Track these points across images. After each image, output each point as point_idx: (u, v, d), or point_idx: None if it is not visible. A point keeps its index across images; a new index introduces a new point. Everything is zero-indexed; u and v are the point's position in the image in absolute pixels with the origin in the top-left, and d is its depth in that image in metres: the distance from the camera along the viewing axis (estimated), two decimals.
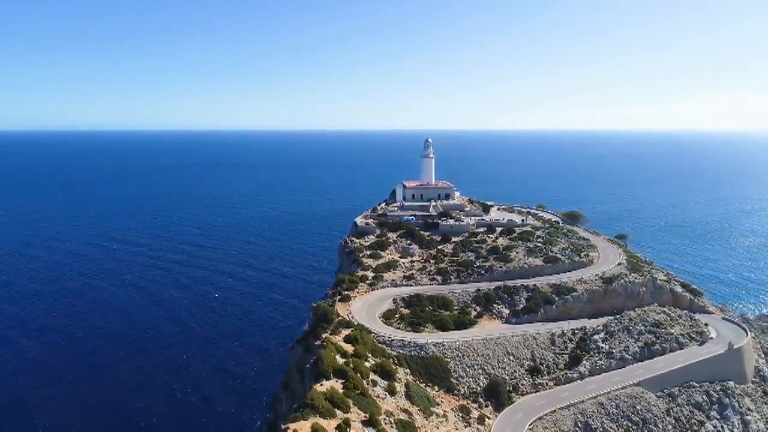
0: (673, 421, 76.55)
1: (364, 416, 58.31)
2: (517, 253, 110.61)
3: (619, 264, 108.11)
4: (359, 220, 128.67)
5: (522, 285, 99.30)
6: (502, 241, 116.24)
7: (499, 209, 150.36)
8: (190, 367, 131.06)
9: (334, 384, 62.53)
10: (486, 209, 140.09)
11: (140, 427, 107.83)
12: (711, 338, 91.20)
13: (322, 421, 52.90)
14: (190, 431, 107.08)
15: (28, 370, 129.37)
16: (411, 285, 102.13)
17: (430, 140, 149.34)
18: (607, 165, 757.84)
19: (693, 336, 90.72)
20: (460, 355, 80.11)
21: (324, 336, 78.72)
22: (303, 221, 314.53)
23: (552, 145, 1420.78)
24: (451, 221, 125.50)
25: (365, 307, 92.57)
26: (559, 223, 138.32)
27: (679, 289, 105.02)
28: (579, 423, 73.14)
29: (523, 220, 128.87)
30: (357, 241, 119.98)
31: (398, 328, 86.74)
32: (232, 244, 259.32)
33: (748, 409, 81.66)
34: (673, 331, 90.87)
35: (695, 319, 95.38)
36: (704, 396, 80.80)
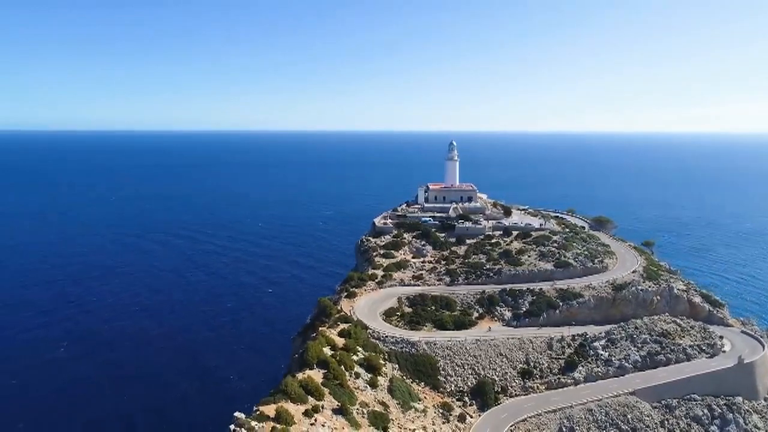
0: None
1: (337, 405, 61.58)
2: (528, 256, 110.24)
3: (633, 271, 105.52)
4: (378, 220, 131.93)
5: (528, 289, 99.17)
6: (516, 245, 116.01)
7: (524, 213, 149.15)
8: (243, 347, 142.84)
9: (315, 373, 66.13)
10: (507, 212, 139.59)
11: (193, 388, 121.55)
12: (723, 351, 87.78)
13: (290, 406, 56.54)
14: (216, 402, 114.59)
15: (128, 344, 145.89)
16: (418, 285, 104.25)
17: (454, 143, 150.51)
18: (683, 168, 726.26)
19: (704, 348, 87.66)
20: (451, 354, 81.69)
21: (320, 329, 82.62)
22: (355, 220, 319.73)
23: (621, 148, 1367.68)
24: (468, 224, 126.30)
25: (369, 304, 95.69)
26: (584, 228, 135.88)
27: (697, 299, 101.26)
28: (564, 428, 72.96)
29: (541, 224, 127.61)
30: (373, 240, 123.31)
31: (397, 326, 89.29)
32: (289, 239, 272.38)
33: (756, 427, 78.24)
34: (681, 342, 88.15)
35: (709, 331, 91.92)
36: (705, 410, 78.14)
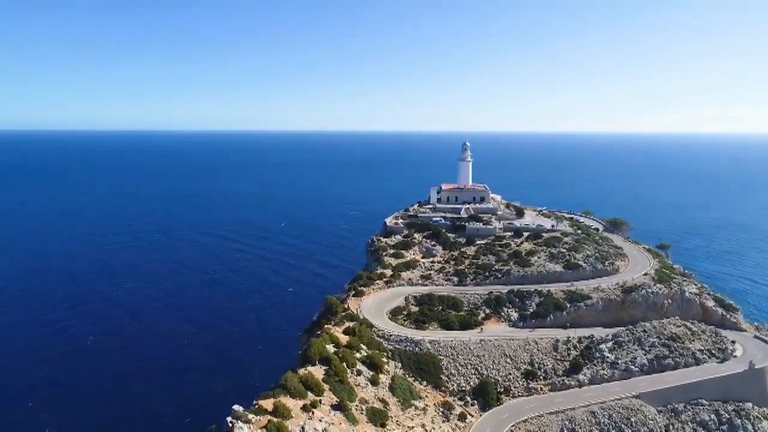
0: None
1: (336, 401, 62.72)
2: (538, 258, 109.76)
3: (645, 274, 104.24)
4: (389, 220, 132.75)
5: (536, 290, 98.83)
6: (526, 246, 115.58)
7: (538, 214, 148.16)
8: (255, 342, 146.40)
9: (316, 370, 67.41)
10: (520, 213, 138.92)
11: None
12: (734, 356, 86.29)
13: (288, 400, 57.89)
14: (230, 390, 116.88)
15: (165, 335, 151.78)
16: (426, 285, 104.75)
17: (467, 144, 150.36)
18: (714, 169, 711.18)
19: (714, 352, 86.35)
20: (455, 353, 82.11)
21: (326, 327, 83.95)
22: (378, 220, 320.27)
23: (651, 149, 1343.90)
24: (479, 224, 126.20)
25: (376, 303, 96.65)
26: (598, 230, 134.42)
27: (710, 303, 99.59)
28: (566, 429, 72.75)
29: (553, 226, 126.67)
30: (383, 240, 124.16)
31: (402, 325, 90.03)
32: (314, 238, 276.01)
33: None
34: (691, 345, 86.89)
35: (720, 336, 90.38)
36: (713, 415, 77.05)
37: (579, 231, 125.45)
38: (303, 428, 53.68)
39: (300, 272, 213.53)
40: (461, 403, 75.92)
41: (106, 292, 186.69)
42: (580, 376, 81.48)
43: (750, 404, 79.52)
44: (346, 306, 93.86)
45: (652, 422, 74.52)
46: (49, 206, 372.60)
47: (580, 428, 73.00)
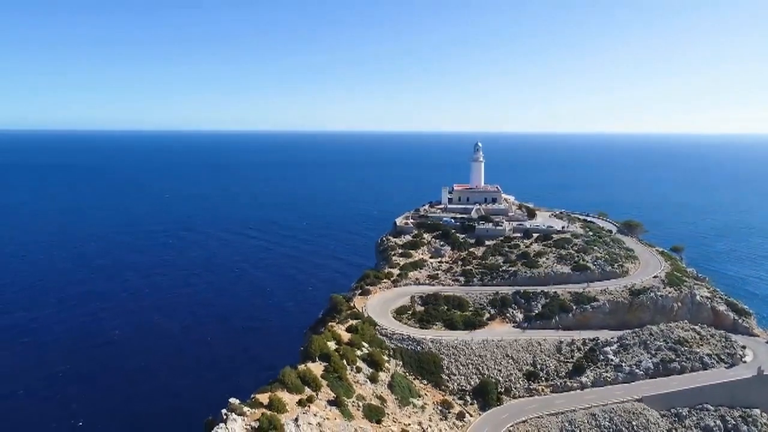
0: None
1: (333, 396, 63.86)
2: (546, 259, 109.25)
3: (654, 277, 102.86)
4: (399, 220, 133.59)
5: (542, 291, 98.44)
6: (535, 247, 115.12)
7: (550, 215, 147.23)
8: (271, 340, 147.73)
9: (315, 366, 68.69)
10: (531, 214, 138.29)
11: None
12: (744, 361, 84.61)
13: (285, 395, 59.24)
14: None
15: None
16: (433, 285, 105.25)
17: (479, 144, 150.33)
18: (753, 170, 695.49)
19: (722, 357, 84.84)
20: (456, 353, 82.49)
21: (329, 324, 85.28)
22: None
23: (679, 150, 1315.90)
24: (489, 225, 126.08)
25: (381, 302, 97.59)
26: (610, 231, 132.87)
27: (722, 307, 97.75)
28: (565, 431, 72.59)
29: (563, 227, 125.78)
30: (393, 239, 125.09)
31: (406, 324, 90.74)
32: (337, 236, 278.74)
33: None
34: (699, 350, 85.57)
35: (731, 340, 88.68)
36: (718, 420, 75.71)
37: (590, 233, 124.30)
38: (297, 422, 54.88)
39: (323, 270, 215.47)
40: (461, 402, 76.31)
41: (133, 288, 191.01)
42: (583, 379, 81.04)
43: (758, 411, 77.83)
44: (351, 304, 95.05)
45: (654, 426, 73.68)
46: (75, 204, 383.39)
47: (580, 430, 72.68)
